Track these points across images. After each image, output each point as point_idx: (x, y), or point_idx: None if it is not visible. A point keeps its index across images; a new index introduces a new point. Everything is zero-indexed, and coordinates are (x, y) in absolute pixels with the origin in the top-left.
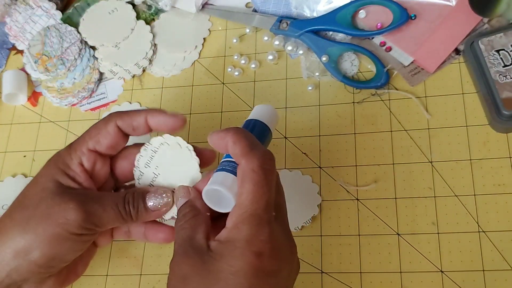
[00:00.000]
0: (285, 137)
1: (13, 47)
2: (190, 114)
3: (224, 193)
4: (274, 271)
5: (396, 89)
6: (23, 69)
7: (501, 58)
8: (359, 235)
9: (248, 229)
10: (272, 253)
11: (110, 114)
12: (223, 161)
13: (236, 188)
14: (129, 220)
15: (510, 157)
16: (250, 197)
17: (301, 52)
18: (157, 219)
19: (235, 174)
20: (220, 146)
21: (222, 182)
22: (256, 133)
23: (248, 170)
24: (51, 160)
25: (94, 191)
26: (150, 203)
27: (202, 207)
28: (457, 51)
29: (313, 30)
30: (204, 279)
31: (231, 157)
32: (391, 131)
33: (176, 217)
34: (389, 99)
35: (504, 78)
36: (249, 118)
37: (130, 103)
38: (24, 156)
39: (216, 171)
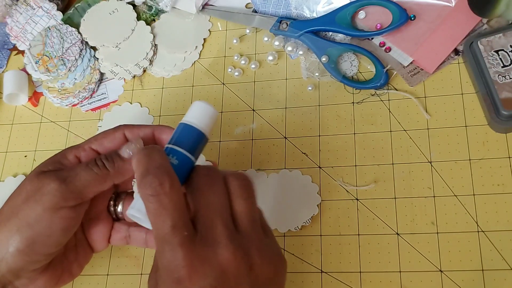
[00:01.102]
0: (285, 137)
1: (14, 48)
2: None
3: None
4: None
5: (396, 90)
6: (24, 70)
7: (500, 59)
8: (358, 235)
9: (163, 257)
10: (192, 278)
11: (119, 125)
12: None
13: None
14: (106, 174)
15: (509, 157)
16: (153, 220)
17: (301, 52)
18: None
19: None
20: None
21: (139, 208)
22: (187, 142)
23: (143, 197)
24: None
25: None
26: (124, 154)
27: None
28: (456, 51)
29: (313, 30)
30: None
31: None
32: (391, 131)
33: None
34: (389, 100)
35: (503, 78)
36: (182, 120)
37: (131, 103)
38: (25, 156)
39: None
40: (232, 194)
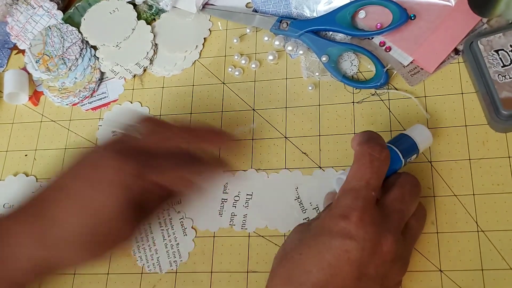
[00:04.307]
0: (285, 137)
1: (15, 47)
2: (191, 113)
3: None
4: (355, 238)
5: (396, 89)
6: (24, 69)
7: (500, 58)
8: None
9: (344, 198)
10: (359, 223)
11: None
12: None
13: None
14: None
15: (509, 157)
16: (352, 173)
17: (301, 52)
18: None
19: None
20: (352, 145)
21: (344, 172)
22: (403, 146)
23: (358, 153)
24: None
25: None
26: None
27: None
28: (456, 51)
29: (313, 30)
30: (301, 232)
31: None
32: (391, 130)
33: None
34: (389, 99)
35: (503, 78)
36: (404, 132)
37: (131, 102)
38: (26, 155)
39: None
40: (414, 215)
